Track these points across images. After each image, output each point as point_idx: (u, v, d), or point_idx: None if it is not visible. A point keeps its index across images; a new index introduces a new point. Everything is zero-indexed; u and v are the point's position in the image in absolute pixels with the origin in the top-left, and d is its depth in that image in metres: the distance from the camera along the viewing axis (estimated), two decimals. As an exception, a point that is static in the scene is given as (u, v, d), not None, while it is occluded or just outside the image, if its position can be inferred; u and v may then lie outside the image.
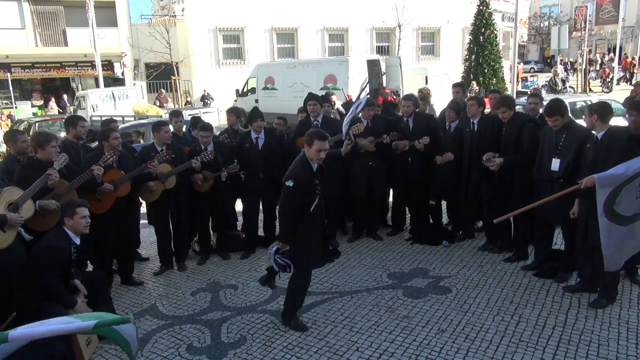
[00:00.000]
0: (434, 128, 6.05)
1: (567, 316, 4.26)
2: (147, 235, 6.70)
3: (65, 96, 23.51)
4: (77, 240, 4.05)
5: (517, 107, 5.88)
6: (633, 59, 27.81)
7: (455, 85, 6.96)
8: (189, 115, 11.55)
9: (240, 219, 6.75)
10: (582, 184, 4.09)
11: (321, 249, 4.35)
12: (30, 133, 6.51)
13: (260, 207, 6.30)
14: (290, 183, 3.99)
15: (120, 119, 15.55)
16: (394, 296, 4.81)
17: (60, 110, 22.08)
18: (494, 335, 4.03)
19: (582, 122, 4.91)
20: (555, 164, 4.66)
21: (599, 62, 29.43)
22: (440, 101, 11.32)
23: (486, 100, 9.80)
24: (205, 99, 22.35)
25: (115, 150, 5.00)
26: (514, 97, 13.00)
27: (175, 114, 6.48)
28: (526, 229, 5.36)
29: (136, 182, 5.18)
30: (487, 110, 6.37)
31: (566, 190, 4.27)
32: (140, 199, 5.77)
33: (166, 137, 5.51)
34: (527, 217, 5.09)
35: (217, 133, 6.63)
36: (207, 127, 5.81)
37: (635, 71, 25.44)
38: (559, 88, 20.17)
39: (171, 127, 6.29)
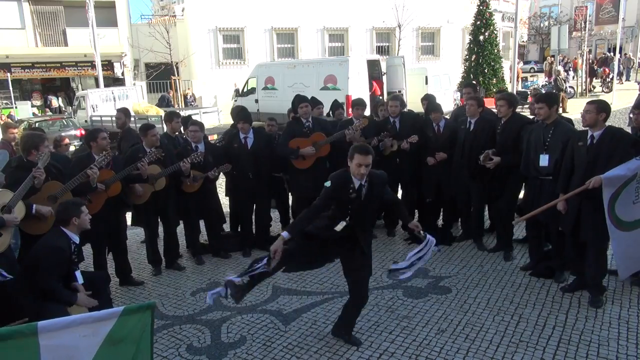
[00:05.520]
0: (420, 128, 6.05)
1: (567, 316, 4.26)
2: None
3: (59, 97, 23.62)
4: (77, 239, 4.06)
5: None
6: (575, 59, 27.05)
7: (467, 86, 6.95)
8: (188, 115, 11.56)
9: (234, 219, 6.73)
10: (589, 184, 4.08)
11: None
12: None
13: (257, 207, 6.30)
14: (327, 183, 3.68)
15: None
16: (394, 296, 4.81)
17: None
18: (494, 335, 4.03)
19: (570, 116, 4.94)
20: (544, 159, 4.69)
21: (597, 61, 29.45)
22: (440, 101, 11.34)
23: (492, 100, 9.80)
24: (188, 102, 22.13)
25: (109, 151, 4.99)
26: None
27: (175, 115, 6.47)
28: (508, 225, 5.46)
29: (126, 182, 5.16)
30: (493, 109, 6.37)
31: (576, 190, 4.24)
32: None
33: (154, 140, 5.46)
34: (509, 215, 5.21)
35: (217, 134, 6.62)
36: (196, 122, 5.96)
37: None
38: (563, 88, 20.17)
39: (164, 128, 6.31)
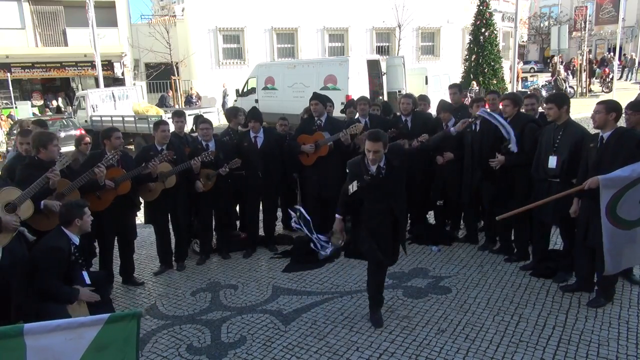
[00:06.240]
0: (432, 127, 6.05)
1: (567, 316, 4.26)
2: (148, 235, 6.70)
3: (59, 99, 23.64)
4: (77, 240, 4.06)
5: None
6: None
7: (451, 87, 6.97)
8: (189, 115, 11.50)
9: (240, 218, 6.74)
10: (585, 185, 4.05)
11: (387, 249, 4.19)
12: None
13: (261, 206, 6.30)
14: (347, 169, 4.20)
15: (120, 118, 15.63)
16: (394, 296, 4.81)
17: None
18: (494, 335, 4.03)
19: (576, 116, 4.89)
20: (553, 161, 4.65)
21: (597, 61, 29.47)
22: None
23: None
24: (193, 102, 22.15)
25: (117, 150, 5.00)
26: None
27: (177, 114, 6.48)
28: (526, 229, 5.36)
29: (137, 181, 5.18)
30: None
31: (570, 190, 4.23)
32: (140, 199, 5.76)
33: (164, 137, 5.49)
34: (526, 217, 5.10)
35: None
36: (207, 120, 5.98)
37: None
38: (564, 88, 20.19)
39: (172, 127, 6.29)
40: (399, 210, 4.20)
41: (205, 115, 15.34)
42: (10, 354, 2.35)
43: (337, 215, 4.32)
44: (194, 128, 6.83)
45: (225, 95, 22.56)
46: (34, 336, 2.37)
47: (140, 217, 6.02)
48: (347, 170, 4.21)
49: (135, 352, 2.63)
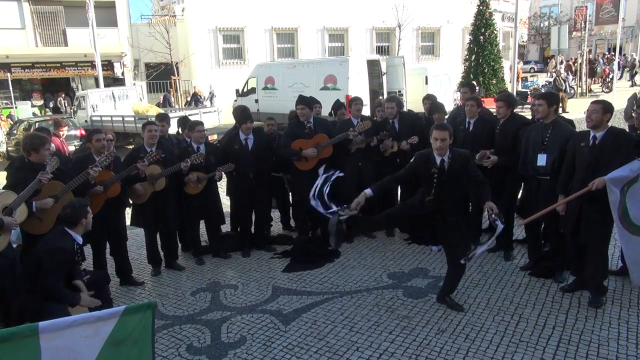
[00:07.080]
0: (420, 128, 6.04)
1: (567, 316, 4.26)
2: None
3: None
4: (80, 240, 4.07)
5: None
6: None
7: (464, 85, 6.97)
8: (189, 115, 11.49)
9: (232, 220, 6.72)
10: (593, 186, 4.06)
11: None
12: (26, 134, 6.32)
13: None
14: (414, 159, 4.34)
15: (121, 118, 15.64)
16: (394, 296, 4.81)
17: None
18: (494, 335, 4.03)
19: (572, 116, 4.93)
20: (542, 159, 4.70)
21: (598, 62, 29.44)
22: (440, 101, 11.34)
23: (492, 99, 9.83)
24: (198, 100, 22.13)
25: (111, 152, 4.99)
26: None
27: (159, 118, 6.44)
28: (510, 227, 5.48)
29: (126, 183, 5.15)
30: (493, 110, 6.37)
31: (579, 192, 4.22)
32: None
33: (151, 137, 5.43)
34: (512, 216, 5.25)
35: (216, 135, 6.62)
36: (201, 122, 5.98)
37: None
38: (563, 88, 20.18)
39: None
40: (451, 215, 4.29)
41: (206, 116, 15.44)
42: (24, 355, 2.34)
43: (367, 191, 4.18)
44: (179, 130, 6.78)
45: (212, 96, 22.52)
46: (49, 334, 2.36)
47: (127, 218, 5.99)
48: (413, 159, 4.32)
49: (150, 343, 2.65)
